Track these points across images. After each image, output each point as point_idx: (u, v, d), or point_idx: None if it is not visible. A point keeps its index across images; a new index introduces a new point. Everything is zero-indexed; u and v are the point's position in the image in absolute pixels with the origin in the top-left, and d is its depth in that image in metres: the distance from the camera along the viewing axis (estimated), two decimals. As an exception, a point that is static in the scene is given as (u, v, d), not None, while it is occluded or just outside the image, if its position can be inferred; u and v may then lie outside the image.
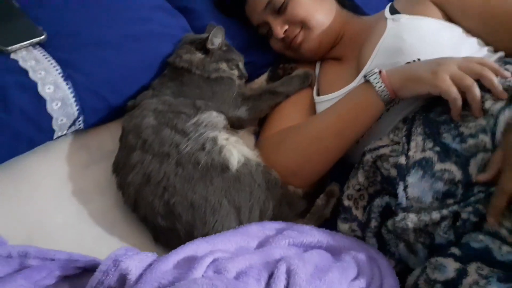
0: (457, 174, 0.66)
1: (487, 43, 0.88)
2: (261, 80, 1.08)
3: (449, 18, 0.91)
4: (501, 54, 0.85)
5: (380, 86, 0.76)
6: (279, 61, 1.08)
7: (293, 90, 0.97)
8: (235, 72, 0.95)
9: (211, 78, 0.91)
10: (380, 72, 0.77)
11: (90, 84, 0.86)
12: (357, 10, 1.15)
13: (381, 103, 0.77)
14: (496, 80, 0.69)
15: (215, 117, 0.85)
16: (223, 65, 0.93)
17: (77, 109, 0.84)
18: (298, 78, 0.99)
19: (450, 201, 0.66)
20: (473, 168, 0.66)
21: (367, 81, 0.78)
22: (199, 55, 0.92)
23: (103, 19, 0.94)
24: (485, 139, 0.66)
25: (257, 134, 0.96)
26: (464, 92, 0.70)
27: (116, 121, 0.91)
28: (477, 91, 0.69)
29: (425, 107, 0.78)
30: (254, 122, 0.95)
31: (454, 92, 0.70)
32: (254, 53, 1.09)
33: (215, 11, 1.11)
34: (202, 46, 0.93)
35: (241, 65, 0.98)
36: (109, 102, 0.89)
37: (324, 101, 0.92)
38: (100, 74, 0.87)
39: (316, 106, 0.95)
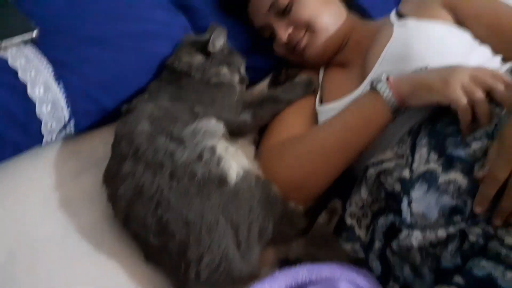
0: (463, 183, 0.62)
1: (497, 52, 0.85)
2: (263, 86, 1.04)
3: (459, 22, 0.88)
4: (510, 65, 0.81)
5: (388, 94, 0.73)
6: (281, 66, 1.04)
7: (295, 97, 0.93)
8: (236, 76, 0.91)
9: (211, 82, 0.87)
10: (387, 79, 0.74)
11: (83, 86, 0.82)
12: (364, 13, 1.11)
13: (388, 112, 0.74)
14: (506, 95, 0.66)
15: (214, 125, 0.80)
16: (224, 70, 0.89)
17: (68, 112, 0.80)
18: (301, 85, 0.94)
19: (457, 218, 0.62)
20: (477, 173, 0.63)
21: (373, 89, 0.75)
22: (199, 58, 0.88)
23: (100, 16, 0.89)
24: (489, 143, 0.63)
25: (257, 144, 0.92)
26: (473, 105, 0.67)
27: (110, 126, 0.87)
28: (486, 106, 0.66)
29: (432, 117, 0.74)
30: (255, 129, 0.91)
31: (464, 103, 0.67)
32: (256, 57, 1.04)
33: (217, 10, 1.06)
34: (202, 48, 0.88)
35: (242, 69, 0.94)
36: (103, 105, 0.85)
37: (327, 111, 0.88)
38: (95, 74, 0.83)
39: (318, 115, 0.91)
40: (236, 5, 1.01)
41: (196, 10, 1.05)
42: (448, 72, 0.69)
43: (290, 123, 0.91)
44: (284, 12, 0.94)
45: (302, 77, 0.97)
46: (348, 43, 0.98)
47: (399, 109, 0.74)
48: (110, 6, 0.92)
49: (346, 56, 0.98)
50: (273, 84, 1.02)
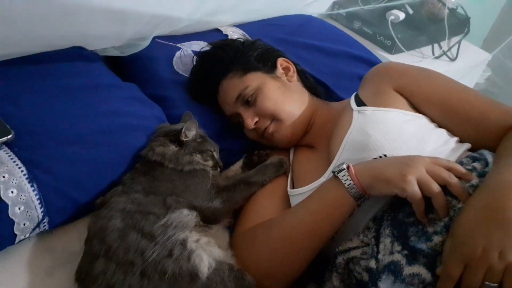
0: (427, 276, 0.64)
1: (453, 133, 0.89)
2: (236, 167, 1.07)
3: (414, 106, 0.92)
4: (467, 146, 0.86)
5: (350, 184, 0.75)
6: (254, 148, 1.08)
7: (268, 178, 0.96)
8: (210, 162, 0.94)
9: (184, 171, 0.89)
10: (348, 167, 0.77)
11: (56, 184, 0.83)
12: (329, 94, 1.18)
13: (351, 199, 0.76)
14: (461, 188, 0.69)
15: (186, 216, 0.82)
16: (197, 157, 0.92)
17: (42, 212, 0.81)
18: (273, 166, 0.98)
19: None
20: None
21: (335, 177, 0.77)
22: (172, 148, 0.91)
23: (74, 114, 0.93)
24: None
25: (232, 228, 0.93)
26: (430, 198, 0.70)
27: (85, 219, 0.87)
28: (442, 198, 0.69)
29: (395, 205, 0.76)
30: (229, 214, 0.93)
31: (418, 198, 0.69)
32: (229, 140, 1.09)
33: (190, 99, 1.12)
34: (176, 138, 0.92)
35: (216, 154, 0.97)
36: (77, 201, 0.86)
37: (297, 195, 0.91)
38: (68, 173, 0.85)
39: (290, 199, 0.93)
40: (207, 96, 1.07)
41: (170, 100, 1.11)
42: (405, 164, 0.72)
43: (263, 206, 0.93)
44: (250, 103, 1.00)
45: (274, 158, 1.00)
46: (313, 127, 1.03)
47: (362, 197, 0.76)
48: (86, 104, 0.96)
49: (313, 138, 1.03)
50: (247, 165, 1.06)
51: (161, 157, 0.89)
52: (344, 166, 0.77)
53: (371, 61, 1.34)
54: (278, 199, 0.94)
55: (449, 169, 0.72)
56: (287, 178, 0.99)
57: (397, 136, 0.83)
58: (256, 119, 1.00)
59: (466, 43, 1.78)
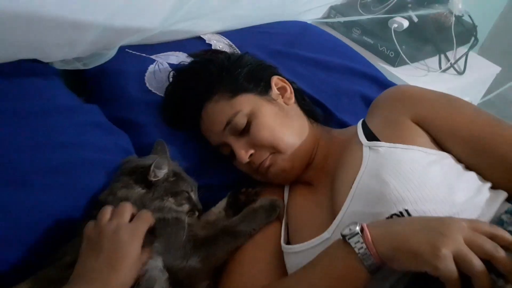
0: None
1: (484, 177, 0.72)
2: (219, 209, 0.88)
3: (435, 141, 0.75)
4: (504, 195, 0.69)
5: (365, 253, 0.58)
6: (240, 184, 0.90)
7: (257, 227, 0.78)
8: (185, 207, 0.76)
9: None
10: (362, 230, 0.59)
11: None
12: (328, 117, 1.01)
13: (365, 272, 0.58)
14: (511, 265, 0.53)
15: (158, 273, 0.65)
16: (169, 202, 0.74)
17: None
18: (263, 211, 0.80)
19: None
20: None
21: (345, 242, 0.60)
22: (138, 191, 0.73)
23: (17, 147, 0.75)
24: None
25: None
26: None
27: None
28: (485, 279, 0.52)
29: (419, 278, 0.59)
30: (208, 275, 0.75)
31: (454, 278, 0.53)
32: (211, 173, 0.91)
33: (163, 124, 0.94)
34: (143, 178, 0.74)
35: (193, 195, 0.79)
36: (10, 264, 0.67)
37: (293, 253, 0.74)
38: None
39: (285, 256, 0.76)
40: (185, 122, 0.89)
41: (140, 126, 0.92)
42: (438, 232, 0.55)
43: (251, 261, 0.76)
44: (242, 132, 0.83)
45: (264, 200, 0.82)
46: (314, 160, 0.86)
47: (379, 269, 0.59)
48: (34, 134, 0.78)
49: (312, 175, 0.86)
50: (232, 206, 0.87)
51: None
52: (357, 229, 0.59)
53: (375, 78, 1.17)
54: (270, 255, 0.77)
55: (492, 237, 0.55)
56: (280, 223, 0.82)
57: (421, 184, 0.66)
58: (252, 151, 0.83)
59: (473, 55, 1.63)
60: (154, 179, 0.74)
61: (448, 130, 0.74)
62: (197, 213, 0.78)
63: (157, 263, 0.67)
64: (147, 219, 0.67)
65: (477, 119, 0.75)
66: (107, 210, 0.66)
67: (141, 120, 0.93)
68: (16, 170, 0.72)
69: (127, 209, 0.67)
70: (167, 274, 0.68)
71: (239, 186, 0.89)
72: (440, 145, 0.75)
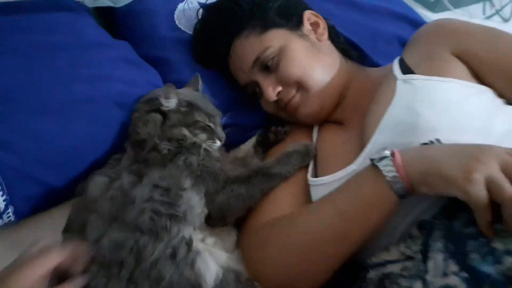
0: None
1: None
2: (248, 147, 0.88)
3: (476, 75, 0.72)
4: None
5: (394, 175, 0.57)
6: (269, 123, 0.88)
7: (292, 170, 0.75)
8: (202, 136, 0.74)
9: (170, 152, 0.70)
10: (392, 154, 0.58)
11: (23, 166, 0.68)
12: (363, 60, 0.97)
13: (394, 197, 0.58)
14: None
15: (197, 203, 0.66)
16: (184, 131, 0.72)
17: (4, 200, 0.66)
18: (298, 155, 0.77)
19: None
20: None
21: (374, 166, 0.59)
22: (156, 117, 0.72)
23: (49, 79, 0.76)
24: None
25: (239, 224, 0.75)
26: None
27: (59, 208, 0.73)
28: None
29: (448, 208, 0.58)
30: (241, 214, 0.72)
31: (484, 203, 0.51)
32: (240, 113, 0.90)
33: (193, 62, 0.93)
34: (157, 109, 0.73)
35: (212, 125, 0.76)
36: (49, 186, 0.70)
37: (320, 185, 0.73)
38: (36, 152, 0.69)
39: (311, 189, 0.75)
40: (215, 59, 0.87)
41: (170, 63, 0.92)
42: (472, 157, 0.53)
43: (279, 198, 0.74)
44: (270, 69, 0.80)
45: (298, 145, 0.79)
46: (346, 99, 0.83)
47: (408, 194, 0.58)
48: (65, 66, 0.79)
49: (344, 114, 0.83)
50: (261, 144, 0.87)
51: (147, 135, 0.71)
52: (388, 153, 0.58)
53: (415, 21, 1.11)
54: (299, 189, 0.76)
55: None
56: (308, 164, 0.80)
57: (456, 115, 0.64)
58: (279, 88, 0.81)
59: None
60: (165, 109, 0.73)
61: (492, 63, 0.70)
62: (218, 142, 0.76)
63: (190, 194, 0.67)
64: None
65: None
66: None
67: (171, 58, 0.92)
68: (49, 100, 0.74)
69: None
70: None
71: (268, 126, 0.89)
72: (481, 79, 0.71)
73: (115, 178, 0.67)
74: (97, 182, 0.66)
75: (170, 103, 0.72)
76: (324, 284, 0.65)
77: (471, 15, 1.42)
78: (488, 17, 1.42)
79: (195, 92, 0.80)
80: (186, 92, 0.78)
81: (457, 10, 1.41)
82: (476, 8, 1.44)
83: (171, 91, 0.72)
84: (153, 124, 0.71)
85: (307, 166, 0.79)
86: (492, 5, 1.43)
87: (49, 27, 0.85)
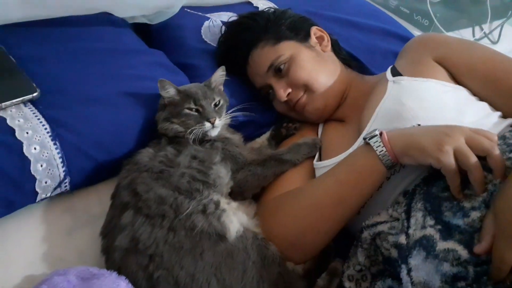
0: (463, 253, 0.59)
1: (496, 108, 0.83)
2: (262, 139, 1.03)
3: (454, 78, 0.87)
4: (510, 121, 0.79)
5: (382, 150, 0.71)
6: (281, 120, 1.04)
7: (301, 159, 0.89)
8: (190, 124, 0.84)
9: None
10: (381, 134, 0.72)
11: (79, 144, 0.82)
12: (363, 69, 1.12)
13: (382, 168, 0.72)
14: (501, 162, 0.63)
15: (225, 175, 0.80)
16: (174, 123, 0.85)
17: (64, 171, 0.80)
18: (306, 146, 0.91)
19: (462, 283, 0.58)
20: None
21: (367, 144, 0.73)
22: (160, 113, 0.88)
23: (97, 76, 0.92)
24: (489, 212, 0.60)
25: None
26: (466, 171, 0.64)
27: (106, 183, 0.87)
28: (480, 174, 0.63)
29: (428, 178, 0.71)
30: (257, 189, 0.87)
31: (453, 169, 0.64)
32: (257, 112, 1.04)
33: (216, 67, 1.08)
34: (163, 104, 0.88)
35: (200, 108, 0.85)
36: (99, 163, 0.84)
37: (323, 167, 0.86)
38: (91, 133, 0.83)
39: (316, 171, 0.89)
40: (235, 67, 1.03)
41: (196, 68, 1.07)
42: (443, 133, 0.66)
43: (289, 177, 0.89)
44: (282, 73, 0.96)
45: (307, 138, 0.94)
46: (347, 100, 0.98)
47: (394, 165, 0.72)
48: (110, 66, 0.95)
49: (344, 112, 0.98)
50: (274, 137, 1.02)
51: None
52: (377, 132, 0.72)
53: (407, 38, 1.26)
54: (305, 172, 0.90)
55: (491, 141, 0.66)
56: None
57: (434, 106, 0.78)
58: (289, 90, 0.96)
59: (508, 27, 1.67)
60: (164, 101, 0.87)
61: (465, 65, 0.85)
62: (207, 124, 0.83)
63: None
64: None
65: (493, 56, 0.86)
66: None
67: (197, 64, 1.08)
68: (100, 93, 0.89)
69: None
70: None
71: (280, 122, 1.03)
72: (458, 81, 0.86)
73: (160, 150, 0.81)
74: (145, 153, 0.81)
75: (166, 93, 0.85)
76: (328, 248, 0.78)
77: (462, 37, 1.57)
78: (478, 40, 1.57)
79: (193, 83, 0.94)
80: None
81: (450, 33, 1.57)
82: (467, 31, 1.60)
83: (167, 82, 0.85)
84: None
85: (313, 157, 0.93)
86: (481, 29, 1.59)
87: (98, 37, 1.01)
